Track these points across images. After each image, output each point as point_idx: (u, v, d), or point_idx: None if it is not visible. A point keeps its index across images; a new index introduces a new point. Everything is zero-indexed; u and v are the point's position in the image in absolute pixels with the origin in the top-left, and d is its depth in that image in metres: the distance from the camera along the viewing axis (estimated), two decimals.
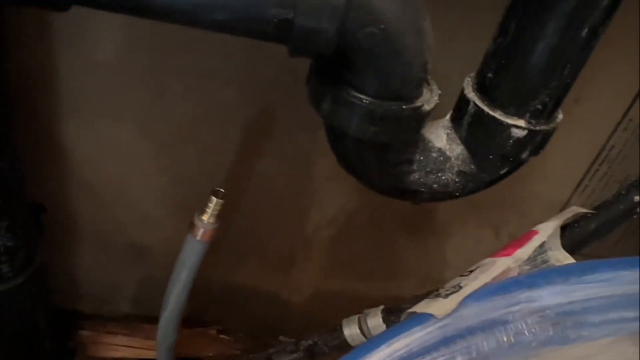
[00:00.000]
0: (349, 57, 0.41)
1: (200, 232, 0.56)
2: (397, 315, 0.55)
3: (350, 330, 0.57)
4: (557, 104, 0.48)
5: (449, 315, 0.34)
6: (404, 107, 0.44)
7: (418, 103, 0.45)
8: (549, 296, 0.35)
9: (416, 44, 0.42)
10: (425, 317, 0.35)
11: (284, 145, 0.69)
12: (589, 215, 0.48)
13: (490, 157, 0.50)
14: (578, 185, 0.78)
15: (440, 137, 0.52)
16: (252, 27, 0.40)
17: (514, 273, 0.39)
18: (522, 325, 0.34)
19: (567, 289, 0.35)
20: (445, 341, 0.34)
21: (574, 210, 0.46)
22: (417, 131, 0.48)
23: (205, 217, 0.55)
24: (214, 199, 0.55)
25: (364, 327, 0.56)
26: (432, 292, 0.40)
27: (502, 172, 0.52)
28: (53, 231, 0.74)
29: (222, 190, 0.55)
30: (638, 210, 0.48)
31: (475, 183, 0.53)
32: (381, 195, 0.55)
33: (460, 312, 0.34)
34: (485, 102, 0.49)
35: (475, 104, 0.49)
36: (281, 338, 0.91)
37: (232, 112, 0.65)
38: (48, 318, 0.74)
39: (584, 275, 0.36)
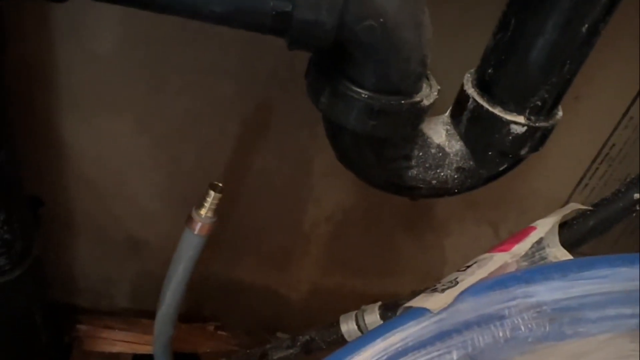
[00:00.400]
0: (348, 51, 0.41)
1: (198, 226, 0.56)
2: (394, 312, 0.55)
3: (348, 326, 0.57)
4: (556, 101, 0.48)
5: (445, 309, 0.34)
6: (402, 101, 0.43)
7: (417, 98, 0.44)
8: (546, 292, 0.35)
9: (415, 38, 0.42)
10: (422, 312, 0.34)
11: (282, 141, 0.69)
12: (588, 212, 0.48)
13: (490, 153, 0.50)
14: (578, 183, 0.78)
15: (440, 133, 0.52)
16: (251, 20, 0.40)
17: (512, 269, 0.39)
18: (518, 320, 0.34)
19: (565, 285, 0.35)
20: (441, 335, 0.33)
21: (573, 206, 0.45)
22: (416, 126, 0.48)
23: (203, 212, 0.55)
24: (212, 193, 0.55)
25: (362, 323, 0.56)
26: (430, 287, 0.40)
27: (501, 169, 0.52)
28: (50, 225, 0.74)
29: (220, 184, 0.55)
30: (637, 208, 0.48)
31: (474, 179, 0.53)
32: (379, 192, 0.55)
33: (457, 307, 0.34)
34: (485, 98, 0.48)
35: (475, 100, 0.49)
36: (278, 334, 0.91)
37: (230, 107, 0.64)
38: (44, 312, 0.74)
39: (581, 272, 0.36)
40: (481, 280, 0.36)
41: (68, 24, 0.57)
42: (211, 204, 0.55)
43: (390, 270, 0.87)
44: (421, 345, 0.33)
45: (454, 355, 0.33)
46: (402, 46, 0.41)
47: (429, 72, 0.46)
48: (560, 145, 0.68)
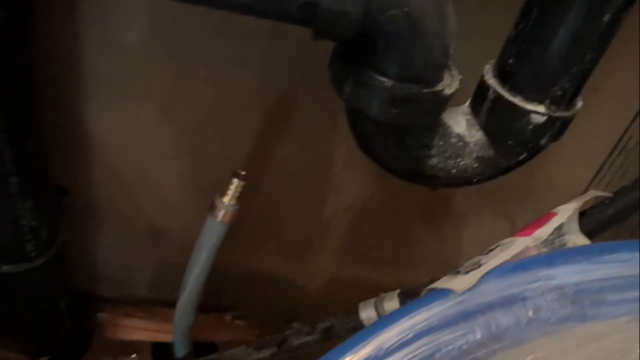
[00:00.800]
0: (372, 40, 0.42)
1: (221, 214, 0.57)
2: (413, 299, 0.56)
3: (367, 313, 0.58)
4: (577, 90, 0.48)
5: (468, 290, 0.35)
6: (425, 90, 0.44)
7: (439, 87, 0.45)
8: (568, 274, 0.35)
9: (438, 27, 0.42)
10: (446, 293, 0.35)
11: (303, 131, 0.70)
12: (607, 200, 0.48)
13: (510, 142, 0.51)
14: (595, 175, 0.78)
15: (460, 122, 0.53)
16: (277, 9, 0.41)
17: (533, 253, 0.40)
18: (540, 302, 0.35)
19: (586, 268, 0.36)
20: (465, 315, 0.34)
21: (593, 193, 0.46)
22: (438, 115, 0.48)
23: (226, 199, 0.56)
24: (236, 181, 0.56)
25: (381, 310, 0.57)
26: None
27: (520, 158, 0.52)
28: (73, 214, 0.75)
29: (244, 172, 0.56)
30: None
31: (493, 169, 0.53)
32: (398, 183, 0.56)
33: (480, 288, 0.35)
34: (506, 88, 0.49)
35: (496, 90, 0.49)
36: (295, 324, 0.92)
37: (253, 97, 0.65)
38: (69, 299, 0.75)
39: (602, 255, 0.36)
40: (504, 262, 0.37)
41: (95, 14, 0.58)
42: (234, 191, 0.56)
43: (408, 261, 0.87)
44: (445, 324, 0.34)
45: (478, 334, 0.34)
46: (426, 35, 0.42)
47: (450, 62, 0.47)
48: (578, 138, 0.68)
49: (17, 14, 0.48)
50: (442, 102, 0.47)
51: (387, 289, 0.63)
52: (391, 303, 0.57)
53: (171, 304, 0.72)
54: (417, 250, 0.86)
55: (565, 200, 0.48)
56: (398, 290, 0.58)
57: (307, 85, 0.64)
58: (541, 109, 0.48)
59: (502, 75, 0.50)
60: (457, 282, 0.35)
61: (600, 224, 0.48)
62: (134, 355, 0.84)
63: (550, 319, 0.35)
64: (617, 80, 0.68)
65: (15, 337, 0.78)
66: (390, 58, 0.43)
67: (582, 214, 0.47)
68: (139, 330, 0.87)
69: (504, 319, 0.34)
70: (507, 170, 0.54)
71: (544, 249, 0.43)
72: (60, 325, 0.77)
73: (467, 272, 0.36)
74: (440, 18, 0.42)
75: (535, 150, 0.52)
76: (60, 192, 0.72)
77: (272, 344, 0.65)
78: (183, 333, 0.74)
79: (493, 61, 0.51)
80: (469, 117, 0.53)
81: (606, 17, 0.43)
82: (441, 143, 0.52)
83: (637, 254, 0.37)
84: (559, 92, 0.47)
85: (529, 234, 0.41)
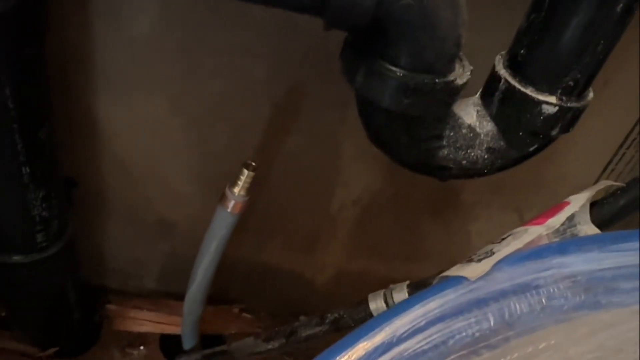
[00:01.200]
0: (384, 30, 0.42)
1: (231, 204, 0.57)
2: (423, 290, 0.56)
3: (377, 304, 0.58)
4: (589, 81, 0.48)
5: (481, 278, 0.35)
6: (436, 80, 0.44)
7: (450, 77, 0.45)
8: (581, 262, 0.36)
9: (451, 17, 0.42)
10: (459, 280, 0.35)
11: (312, 124, 0.70)
12: (619, 191, 0.48)
13: (520, 133, 0.51)
14: (605, 168, 0.78)
15: (471, 113, 0.53)
16: None
17: (545, 241, 0.40)
18: (554, 289, 0.35)
19: (599, 256, 0.36)
20: (478, 303, 0.34)
21: (605, 183, 0.46)
22: (449, 105, 0.48)
23: (236, 190, 0.56)
24: (246, 172, 0.56)
25: (390, 302, 0.57)
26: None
27: (531, 149, 0.52)
28: (83, 206, 0.76)
29: (253, 163, 0.56)
30: None
31: (504, 160, 0.53)
32: (406, 177, 0.56)
33: (493, 275, 0.35)
34: (517, 79, 0.49)
35: (507, 81, 0.49)
36: (302, 318, 0.92)
37: (263, 89, 0.66)
38: (77, 290, 0.76)
39: (615, 244, 0.36)
40: (517, 250, 0.37)
41: (106, 7, 0.58)
42: (245, 182, 0.56)
43: (415, 255, 0.87)
44: (459, 311, 0.34)
45: (491, 321, 0.34)
46: (438, 25, 0.42)
47: (461, 52, 0.47)
48: (588, 131, 0.68)
49: (30, 3, 0.48)
50: (454, 93, 0.47)
51: (395, 282, 0.63)
52: (400, 294, 0.56)
53: (179, 296, 0.73)
54: (425, 243, 0.86)
55: (575, 193, 0.48)
56: (407, 282, 0.58)
57: (316, 78, 0.64)
58: (552, 99, 0.48)
59: (514, 66, 0.49)
60: (471, 270, 0.35)
61: (611, 215, 0.48)
62: (141, 347, 0.85)
63: (563, 306, 0.35)
64: (628, 74, 0.67)
65: (25, 328, 0.79)
66: (403, 48, 0.43)
67: (593, 205, 0.47)
68: (147, 322, 0.88)
69: (517, 306, 0.34)
70: (517, 161, 0.54)
71: (556, 239, 0.43)
72: (68, 317, 0.78)
73: (480, 260, 0.36)
74: (453, 8, 0.42)
75: (546, 142, 0.52)
76: (69, 184, 0.73)
77: (281, 336, 0.65)
78: (191, 325, 0.75)
79: (504, 52, 0.51)
80: (479, 108, 0.53)
81: (619, 7, 0.43)
82: (452, 134, 0.52)
83: None
84: (571, 83, 0.47)
85: (541, 223, 0.41)
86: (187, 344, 0.78)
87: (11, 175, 0.56)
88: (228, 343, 0.77)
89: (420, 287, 0.57)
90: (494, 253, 0.37)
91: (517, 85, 0.49)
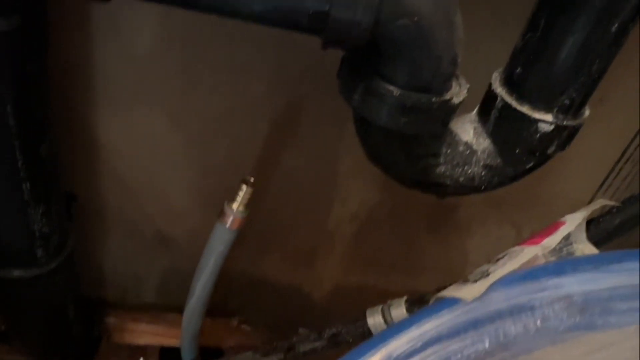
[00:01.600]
0: (381, 49, 0.43)
1: (230, 220, 0.57)
2: (420, 306, 0.56)
3: (374, 320, 0.58)
4: (584, 100, 0.49)
5: (477, 299, 0.35)
6: (433, 99, 0.45)
7: (447, 96, 0.46)
8: (577, 283, 0.36)
9: (447, 37, 0.43)
10: (454, 301, 0.36)
11: (310, 140, 0.70)
12: (615, 210, 0.48)
13: (517, 151, 0.51)
14: (602, 184, 0.78)
15: (468, 131, 0.53)
16: (288, 18, 0.41)
17: (541, 261, 0.40)
18: (549, 310, 0.35)
19: (595, 277, 0.36)
20: (474, 324, 0.34)
21: (601, 202, 0.46)
22: (446, 124, 0.49)
23: (235, 205, 0.57)
24: (244, 187, 0.56)
25: (388, 317, 0.57)
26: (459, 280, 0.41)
27: (528, 167, 0.53)
28: (82, 220, 0.76)
29: (252, 179, 0.56)
30: None
31: (501, 177, 0.54)
32: (404, 193, 0.56)
33: (489, 297, 0.35)
34: (513, 97, 0.49)
35: (503, 99, 0.50)
36: (301, 330, 0.92)
37: (261, 106, 0.66)
38: (77, 304, 0.76)
39: (611, 264, 0.37)
40: (512, 271, 0.37)
41: (107, 24, 0.59)
42: (243, 198, 0.56)
43: (413, 270, 0.88)
44: (455, 332, 0.34)
45: (486, 343, 0.34)
46: (435, 45, 0.42)
47: (458, 71, 0.47)
48: (584, 147, 0.68)
49: (31, 21, 0.49)
50: (450, 111, 0.47)
51: (394, 296, 0.63)
52: (398, 310, 0.57)
53: (179, 309, 0.73)
54: (423, 257, 0.86)
55: (572, 209, 0.48)
56: (405, 297, 0.58)
57: (315, 95, 0.65)
58: (549, 117, 0.48)
59: (510, 84, 0.50)
60: (466, 291, 0.35)
61: (607, 233, 0.48)
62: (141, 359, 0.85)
63: (558, 327, 0.35)
64: (624, 91, 0.68)
65: (25, 342, 0.79)
66: (400, 67, 0.43)
67: (590, 223, 0.48)
68: (147, 334, 0.87)
69: (512, 327, 0.35)
70: (514, 178, 0.54)
71: (552, 258, 0.43)
72: (68, 330, 0.78)
73: (475, 281, 0.36)
74: (449, 28, 0.43)
75: (542, 159, 0.52)
76: (69, 199, 0.73)
77: (280, 351, 0.65)
78: (190, 338, 0.74)
79: (501, 70, 0.52)
80: (476, 125, 0.53)
81: (614, 28, 0.43)
82: (449, 151, 0.52)
83: None
84: (567, 102, 0.47)
85: (537, 243, 0.41)
86: (186, 356, 0.78)
87: (12, 191, 0.57)
88: (227, 356, 0.77)
89: (418, 303, 0.57)
90: (489, 274, 0.37)
91: (514, 104, 0.49)
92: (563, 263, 0.37)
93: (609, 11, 0.43)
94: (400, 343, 0.34)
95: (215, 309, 0.84)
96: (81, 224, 0.76)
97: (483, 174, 0.53)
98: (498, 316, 0.35)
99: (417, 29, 0.41)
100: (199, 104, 0.65)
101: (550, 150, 0.50)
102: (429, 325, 0.34)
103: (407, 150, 0.50)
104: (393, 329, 0.35)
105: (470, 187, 0.54)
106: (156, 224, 0.78)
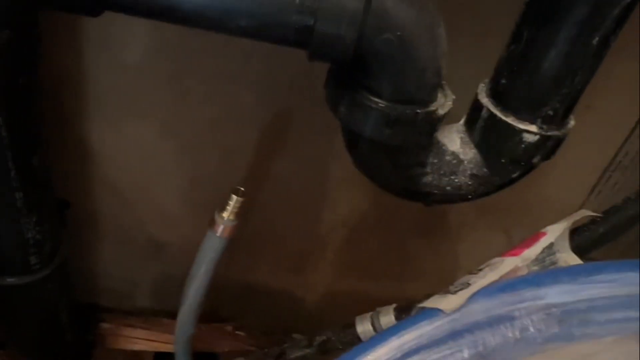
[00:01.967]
0: (366, 62, 0.43)
1: (220, 229, 0.58)
2: (408, 313, 0.57)
3: (363, 327, 0.58)
4: (568, 110, 0.49)
5: (457, 310, 0.36)
6: (418, 111, 0.45)
7: (432, 107, 0.46)
8: (556, 294, 0.36)
9: (431, 50, 0.43)
10: (435, 312, 0.36)
11: (300, 148, 0.71)
12: (599, 219, 0.49)
13: (502, 161, 0.52)
14: (591, 191, 0.79)
15: (454, 140, 0.54)
16: (274, 33, 0.42)
17: (522, 272, 0.41)
18: (528, 321, 0.36)
19: (574, 288, 0.36)
20: (454, 335, 0.35)
21: (583, 213, 0.47)
22: (431, 134, 0.49)
23: (225, 215, 0.57)
24: (235, 197, 0.57)
25: (377, 325, 0.58)
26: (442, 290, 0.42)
27: (513, 176, 0.53)
28: (75, 227, 0.76)
29: (242, 188, 0.57)
30: None
31: (487, 186, 0.54)
32: (394, 199, 0.57)
33: (469, 308, 0.36)
34: (499, 108, 0.50)
35: (489, 109, 0.50)
36: (294, 336, 0.93)
37: (251, 114, 0.67)
38: (70, 311, 0.76)
39: (590, 276, 0.37)
40: (492, 282, 0.38)
41: (99, 36, 0.59)
42: (233, 207, 0.57)
43: (404, 275, 0.88)
44: (434, 343, 0.35)
45: (465, 353, 0.35)
46: (418, 58, 0.43)
47: (444, 81, 0.48)
48: (573, 153, 0.69)
49: (21, 35, 0.49)
50: (436, 122, 0.48)
51: (385, 301, 0.64)
52: (387, 318, 0.57)
53: (172, 314, 0.73)
54: (413, 264, 0.87)
55: (562, 215, 0.48)
56: (394, 305, 0.59)
57: (303, 104, 0.65)
58: (533, 128, 0.48)
59: (495, 95, 0.50)
60: (446, 302, 0.36)
61: (591, 242, 0.48)
62: None
63: (537, 338, 0.35)
64: (611, 98, 0.68)
65: (19, 348, 0.79)
66: (384, 80, 0.44)
67: (573, 232, 0.48)
68: (141, 340, 0.88)
69: (492, 338, 0.35)
70: (500, 187, 0.55)
71: (535, 267, 0.44)
72: (62, 336, 0.78)
73: (456, 292, 0.37)
74: (432, 41, 0.43)
75: (527, 169, 0.53)
76: (62, 205, 0.74)
77: (270, 357, 0.66)
78: (184, 343, 0.75)
79: (487, 80, 0.52)
80: (463, 135, 0.54)
81: (595, 40, 0.44)
82: (435, 161, 0.53)
83: (624, 274, 0.38)
84: (550, 112, 0.48)
85: (517, 254, 0.42)
86: None
87: (4, 201, 0.57)
88: None
89: (406, 311, 0.58)
90: (469, 285, 0.37)
91: (499, 114, 0.50)
92: (542, 275, 0.37)
93: (590, 24, 0.43)
94: (379, 354, 0.34)
95: (209, 314, 0.85)
96: (74, 230, 0.76)
97: (470, 183, 0.54)
98: (477, 327, 0.35)
99: (401, 43, 0.41)
100: (190, 113, 0.66)
101: (535, 160, 0.51)
102: (409, 336, 0.35)
103: (393, 160, 0.51)
104: (373, 339, 0.35)
105: (457, 196, 0.55)
106: (149, 231, 0.79)
